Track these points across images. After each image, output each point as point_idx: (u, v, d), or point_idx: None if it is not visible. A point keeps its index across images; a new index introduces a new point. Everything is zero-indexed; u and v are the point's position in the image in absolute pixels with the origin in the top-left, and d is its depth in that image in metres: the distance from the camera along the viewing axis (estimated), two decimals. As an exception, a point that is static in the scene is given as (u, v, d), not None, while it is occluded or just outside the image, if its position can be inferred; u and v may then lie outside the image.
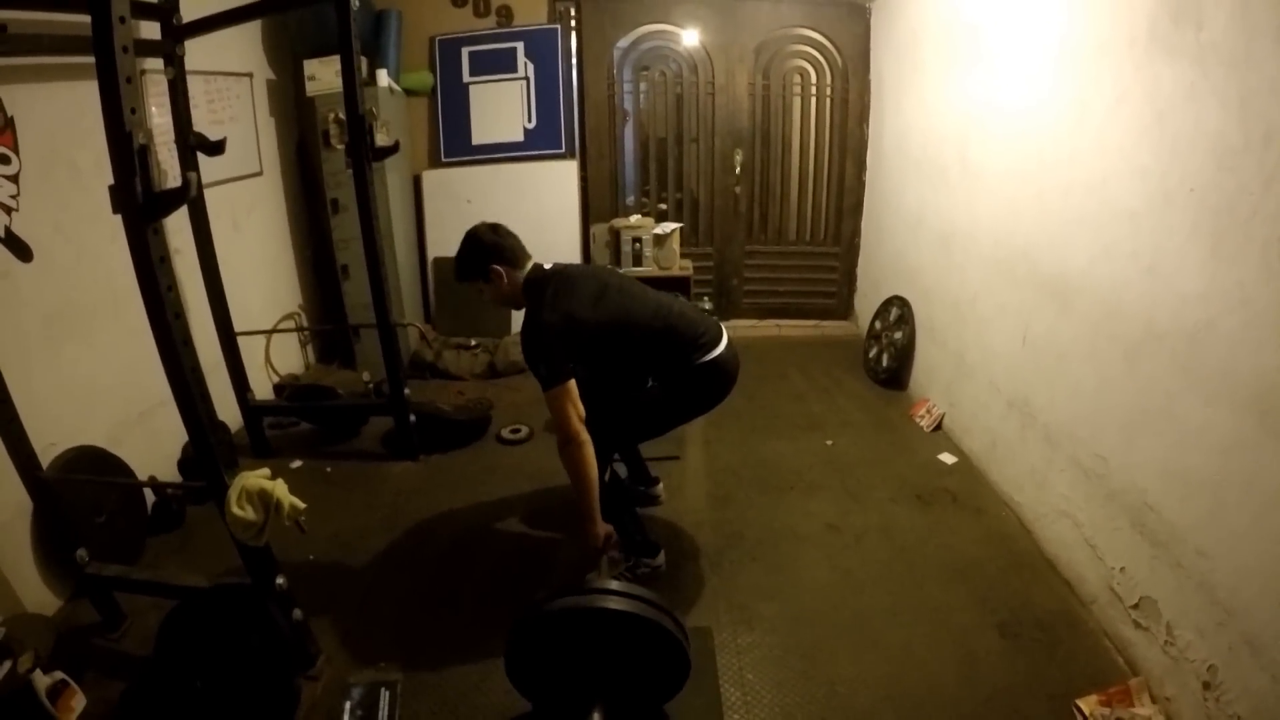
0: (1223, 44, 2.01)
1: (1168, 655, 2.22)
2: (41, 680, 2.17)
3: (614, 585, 2.12)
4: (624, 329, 2.61)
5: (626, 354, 2.69)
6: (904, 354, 4.62)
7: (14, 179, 2.68)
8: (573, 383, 2.44)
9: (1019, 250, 3.22)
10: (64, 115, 2.87)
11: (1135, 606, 2.39)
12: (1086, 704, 2.24)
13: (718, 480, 3.67)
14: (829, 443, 4.03)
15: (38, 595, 2.71)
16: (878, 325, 4.98)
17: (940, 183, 4.14)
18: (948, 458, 3.81)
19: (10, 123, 2.66)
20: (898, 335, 4.69)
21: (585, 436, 2.45)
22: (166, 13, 3.15)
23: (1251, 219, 1.90)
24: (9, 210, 2.66)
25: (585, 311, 2.54)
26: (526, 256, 2.68)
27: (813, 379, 4.97)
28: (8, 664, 2.09)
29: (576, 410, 2.44)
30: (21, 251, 2.70)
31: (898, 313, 4.74)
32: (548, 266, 2.70)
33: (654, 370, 2.76)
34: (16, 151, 2.69)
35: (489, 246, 2.62)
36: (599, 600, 2.05)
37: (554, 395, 2.43)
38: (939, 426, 4.10)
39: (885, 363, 4.78)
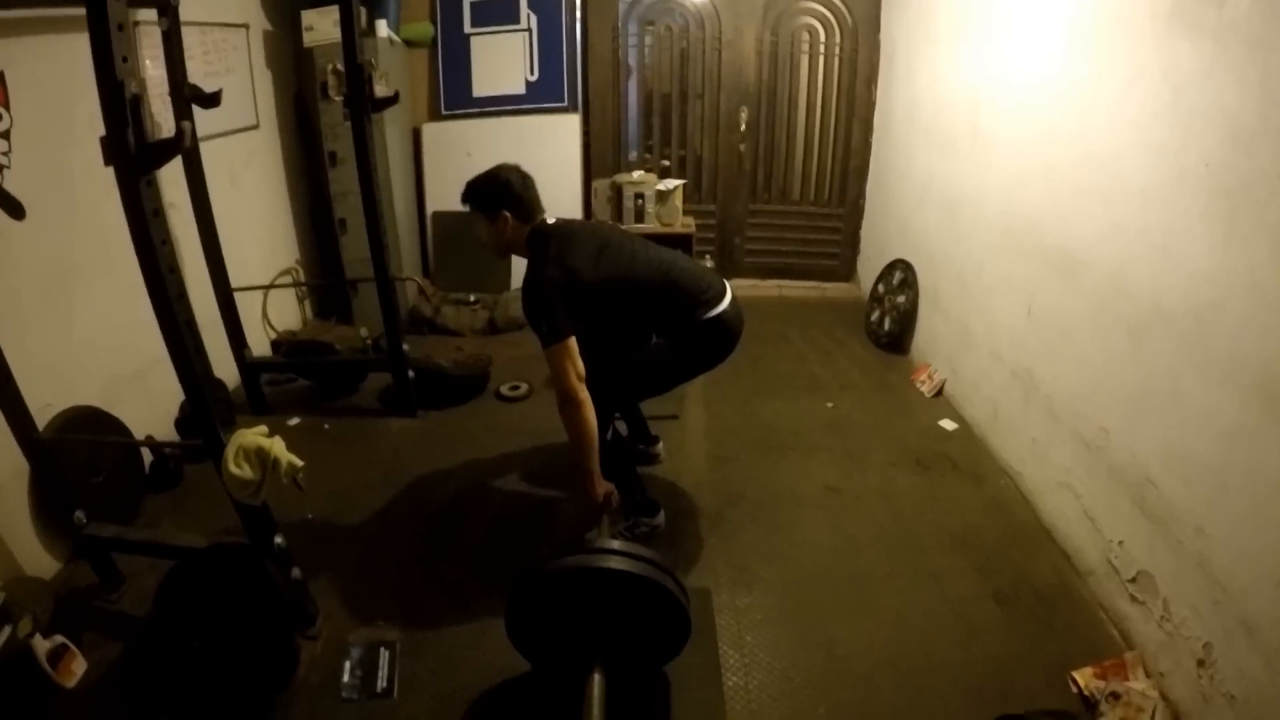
0: (1244, 23, 1.95)
1: (1163, 631, 2.23)
2: (41, 645, 2.17)
3: (615, 545, 2.11)
4: (626, 285, 2.59)
5: (629, 310, 2.67)
6: (906, 318, 4.60)
7: (5, 135, 2.62)
8: (573, 341, 2.43)
9: (1027, 221, 3.18)
10: (56, 69, 2.80)
11: (1132, 581, 2.39)
12: (1082, 676, 2.26)
13: (718, 440, 3.67)
14: (829, 405, 4.03)
15: (36, 558, 2.72)
16: (880, 289, 4.94)
17: (950, 150, 4.08)
18: (948, 424, 3.80)
19: (1, 78, 2.60)
20: (900, 299, 4.65)
21: (584, 395, 2.44)
22: (160, -38, 3.07)
23: (1267, 202, 1.86)
24: (1, 168, 2.61)
25: (587, 267, 2.51)
26: (539, 212, 2.64)
27: (814, 341, 4.95)
28: (7, 629, 2.09)
29: (575, 368, 2.42)
30: (14, 209, 2.64)
31: (901, 276, 4.71)
32: (551, 221, 2.65)
33: (657, 327, 2.75)
34: (8, 107, 2.63)
35: (513, 193, 2.57)
36: (600, 560, 2.04)
37: (554, 353, 2.41)
38: (940, 392, 4.09)
39: (887, 326, 4.76)
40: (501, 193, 2.57)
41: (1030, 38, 3.19)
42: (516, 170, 2.63)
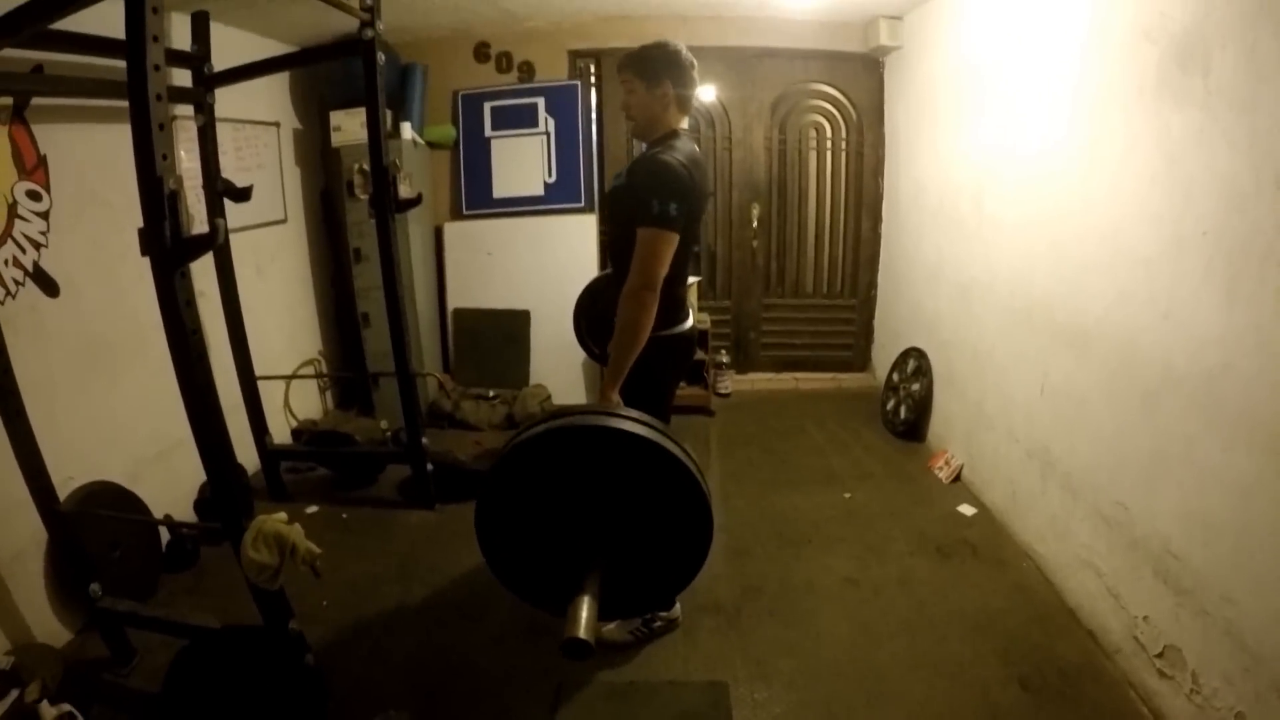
0: (1229, 88, 2.04)
1: (1193, 704, 2.17)
2: (48, 711, 2.17)
3: (623, 410, 1.81)
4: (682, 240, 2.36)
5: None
6: (922, 406, 4.60)
7: (45, 216, 2.76)
8: (676, 240, 2.25)
9: (1036, 299, 3.23)
10: (96, 156, 2.95)
11: (1160, 655, 2.34)
12: (1112, 756, 2.19)
13: (735, 533, 3.63)
14: (847, 496, 3.99)
15: (48, 626, 2.73)
16: (895, 377, 4.96)
17: (957, 233, 4.16)
18: (967, 509, 3.76)
19: (43, 161, 2.74)
20: (915, 387, 4.66)
21: (658, 296, 2.25)
22: (198, 61, 3.27)
23: (1266, 260, 1.91)
24: (39, 246, 2.74)
25: (692, 198, 2.34)
26: (690, 109, 2.49)
27: (830, 432, 4.94)
28: (15, 693, 2.09)
29: (666, 270, 2.24)
30: (49, 287, 2.77)
31: (915, 364, 4.73)
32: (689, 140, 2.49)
33: None
34: (48, 189, 2.77)
35: (682, 66, 2.41)
36: (601, 420, 1.72)
37: (661, 237, 2.20)
38: (958, 478, 4.06)
39: (903, 415, 4.75)
40: (672, 61, 2.39)
41: (1027, 118, 3.30)
42: (689, 53, 2.45)
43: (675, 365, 2.70)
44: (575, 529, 1.83)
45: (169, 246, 1.84)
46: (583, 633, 1.67)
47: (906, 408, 4.73)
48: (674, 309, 2.52)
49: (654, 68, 2.39)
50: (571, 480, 1.79)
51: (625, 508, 1.79)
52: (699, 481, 1.76)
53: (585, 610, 1.70)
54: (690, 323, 2.64)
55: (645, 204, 2.21)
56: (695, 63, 2.45)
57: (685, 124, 2.47)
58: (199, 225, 1.89)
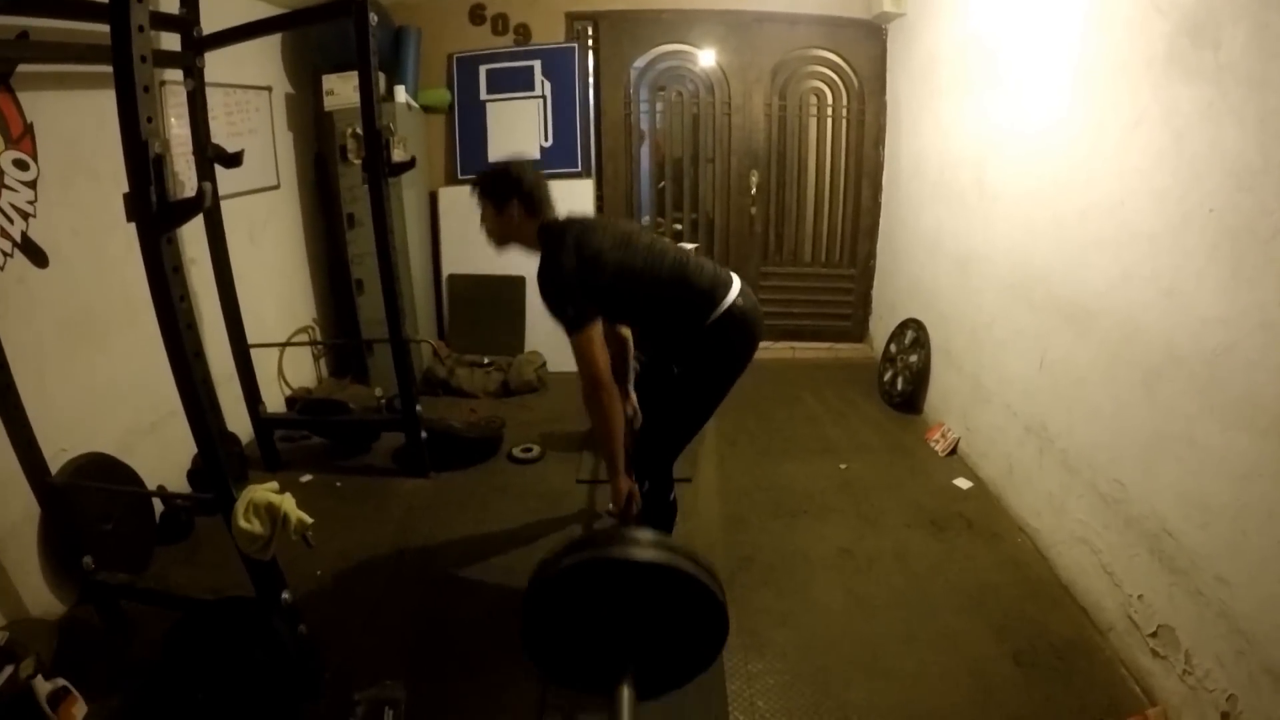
0: (1241, 64, 2.00)
1: (1186, 685, 2.18)
2: (43, 686, 2.16)
3: (643, 533, 1.98)
4: (640, 277, 2.52)
5: (642, 305, 2.60)
6: (919, 378, 4.59)
7: (32, 185, 2.71)
8: (599, 325, 2.44)
9: (1036, 274, 3.20)
10: (83, 123, 2.90)
11: (1153, 635, 2.35)
12: (1104, 735, 2.20)
13: (730, 503, 3.64)
14: (843, 466, 3.99)
15: (42, 600, 2.72)
16: (893, 348, 4.94)
17: (958, 205, 4.12)
18: (963, 483, 3.76)
19: (30, 129, 2.69)
20: (913, 359, 4.65)
21: (613, 383, 2.45)
22: (187, 24, 3.20)
23: (1272, 240, 1.88)
24: (26, 216, 2.69)
25: (604, 257, 2.47)
26: (550, 209, 2.61)
27: (827, 402, 4.93)
28: (9, 669, 2.09)
29: (604, 354, 2.43)
30: (38, 257, 2.73)
31: (913, 336, 4.71)
32: (563, 218, 2.62)
33: (669, 328, 2.65)
34: (35, 158, 2.72)
35: (524, 186, 2.54)
36: (627, 550, 1.89)
37: (584, 339, 2.41)
38: (954, 451, 4.06)
39: (900, 386, 4.74)
40: (513, 184, 2.54)
41: (1032, 89, 3.24)
42: (529, 165, 2.63)
43: (733, 348, 2.63)
44: (607, 637, 1.97)
45: (155, 211, 1.80)
46: None
47: (904, 379, 4.72)
48: (694, 296, 2.54)
49: (501, 192, 2.55)
50: (598, 600, 1.94)
51: (650, 615, 1.95)
52: (713, 591, 1.92)
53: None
54: (734, 294, 2.57)
55: (556, 317, 2.45)
56: (541, 178, 2.60)
57: (550, 211, 2.61)
58: (188, 191, 1.86)
